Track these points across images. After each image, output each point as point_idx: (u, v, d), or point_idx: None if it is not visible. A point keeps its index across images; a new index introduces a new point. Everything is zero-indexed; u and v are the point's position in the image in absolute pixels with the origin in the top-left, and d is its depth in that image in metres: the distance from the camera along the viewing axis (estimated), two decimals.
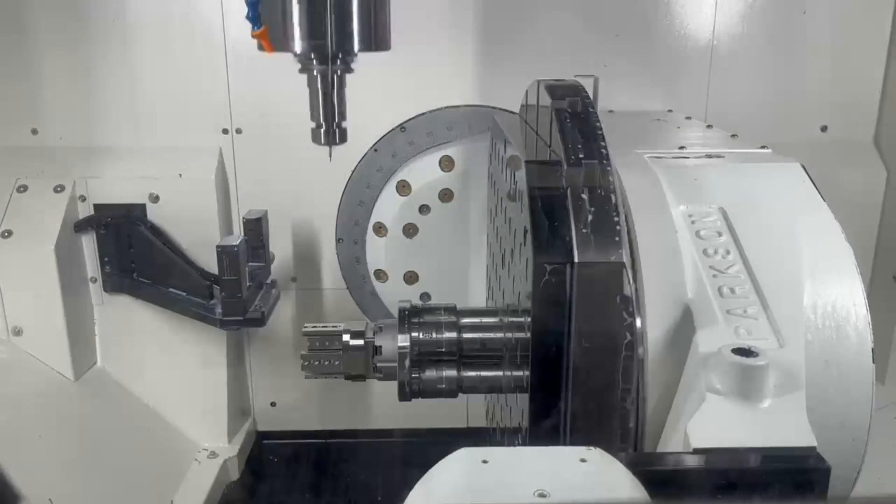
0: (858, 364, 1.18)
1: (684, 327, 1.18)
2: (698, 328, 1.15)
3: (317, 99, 1.54)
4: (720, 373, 1.05)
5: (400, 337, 1.63)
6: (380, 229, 2.43)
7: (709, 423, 1.01)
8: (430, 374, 1.64)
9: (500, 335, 1.64)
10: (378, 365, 1.66)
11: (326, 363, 1.68)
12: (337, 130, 1.58)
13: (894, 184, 2.42)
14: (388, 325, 1.68)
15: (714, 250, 1.27)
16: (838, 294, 1.21)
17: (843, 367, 1.17)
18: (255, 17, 1.44)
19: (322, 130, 1.56)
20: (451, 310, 1.69)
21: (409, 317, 1.65)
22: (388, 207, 2.41)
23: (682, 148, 1.60)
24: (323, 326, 1.69)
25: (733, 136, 1.84)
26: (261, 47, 1.47)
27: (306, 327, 1.69)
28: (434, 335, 1.63)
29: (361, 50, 1.48)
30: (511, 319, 1.49)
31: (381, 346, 1.65)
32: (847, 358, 1.18)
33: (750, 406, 1.03)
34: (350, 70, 1.53)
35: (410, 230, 2.42)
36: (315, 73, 1.51)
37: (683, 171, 1.43)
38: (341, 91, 1.55)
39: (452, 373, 1.65)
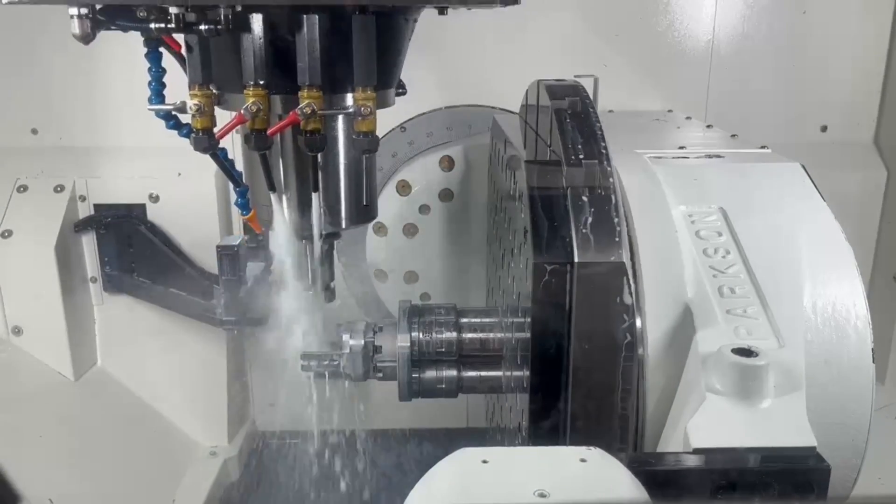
0: (858, 364, 1.18)
1: (684, 327, 1.17)
2: (698, 328, 1.15)
3: (306, 266, 1.59)
4: (720, 373, 1.05)
5: (400, 337, 1.63)
6: (380, 229, 2.43)
7: (709, 423, 1.01)
8: (430, 374, 1.65)
9: (500, 335, 1.64)
10: (378, 365, 1.67)
11: (326, 363, 1.68)
12: (325, 292, 1.65)
13: (894, 184, 2.43)
14: (387, 325, 1.68)
15: (714, 250, 1.27)
16: (838, 294, 1.21)
17: (843, 367, 1.17)
18: (244, 204, 1.51)
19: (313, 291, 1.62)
20: (451, 310, 1.69)
21: (410, 317, 1.65)
22: (389, 207, 2.41)
23: (682, 148, 1.60)
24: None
25: (733, 136, 1.84)
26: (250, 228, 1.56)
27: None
28: (434, 335, 1.63)
29: (349, 227, 1.54)
30: (511, 319, 1.49)
31: (381, 346, 1.65)
32: (847, 358, 1.18)
33: (750, 406, 1.03)
34: (338, 237, 1.59)
35: (410, 230, 2.42)
36: (303, 242, 1.55)
37: (683, 171, 1.43)
38: (330, 257, 1.62)
39: (452, 373, 1.65)
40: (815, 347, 1.17)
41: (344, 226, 1.52)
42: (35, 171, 2.31)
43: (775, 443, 0.98)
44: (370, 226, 2.43)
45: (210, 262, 2.19)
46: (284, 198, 1.46)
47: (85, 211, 2.31)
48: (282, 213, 1.46)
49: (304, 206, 1.46)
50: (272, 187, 1.43)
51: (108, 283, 2.34)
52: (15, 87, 2.36)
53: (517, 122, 1.98)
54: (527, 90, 1.85)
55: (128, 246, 2.30)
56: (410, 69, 2.36)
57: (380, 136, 2.35)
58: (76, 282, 2.29)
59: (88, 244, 2.33)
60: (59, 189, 2.27)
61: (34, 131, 2.39)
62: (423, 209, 2.39)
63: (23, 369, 2.19)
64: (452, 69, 2.38)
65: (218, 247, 2.04)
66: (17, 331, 2.22)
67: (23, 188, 2.29)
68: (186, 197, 2.32)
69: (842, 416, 1.17)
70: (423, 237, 2.41)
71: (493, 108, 2.36)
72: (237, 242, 2.04)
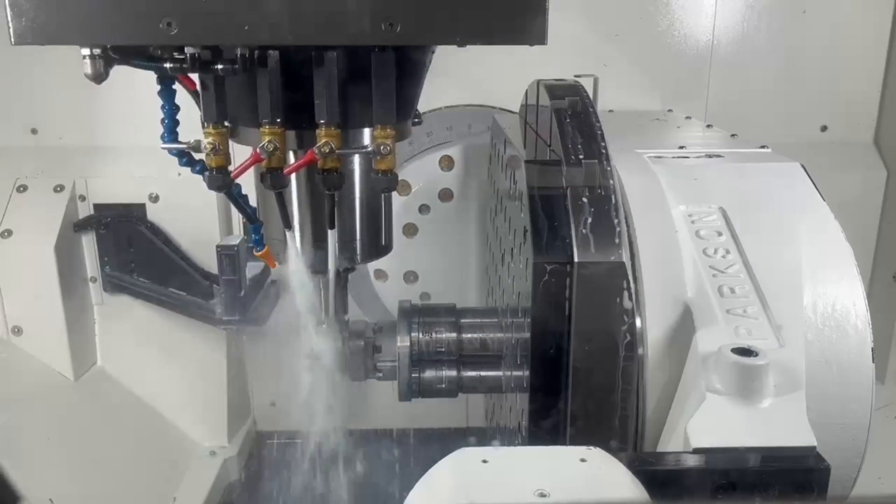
0: (858, 364, 1.18)
1: (684, 327, 1.18)
2: (698, 328, 1.15)
3: (320, 298, 1.56)
4: (720, 372, 1.05)
5: (400, 337, 1.63)
6: None
7: (709, 423, 1.01)
8: (430, 374, 1.65)
9: (500, 335, 1.64)
10: (378, 364, 1.67)
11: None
12: (340, 324, 1.61)
13: (894, 184, 2.42)
14: (387, 324, 1.68)
15: (714, 250, 1.27)
16: (838, 294, 1.21)
17: (843, 367, 1.17)
18: (258, 241, 1.48)
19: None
20: (451, 310, 1.69)
21: (409, 316, 1.65)
22: None
23: (682, 148, 1.60)
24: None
25: (733, 135, 1.84)
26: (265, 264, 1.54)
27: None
28: (434, 335, 1.63)
29: (364, 261, 1.50)
30: (511, 319, 1.49)
31: (381, 346, 1.65)
32: (847, 358, 1.18)
33: (750, 406, 1.03)
34: (352, 271, 1.56)
35: (410, 230, 2.42)
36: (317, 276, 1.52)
37: (683, 170, 1.43)
38: (344, 291, 1.58)
39: (452, 373, 1.65)
40: (815, 347, 1.17)
41: (359, 261, 1.49)
42: (35, 171, 2.31)
43: (775, 443, 0.99)
44: None
45: (210, 262, 2.19)
46: (298, 234, 1.43)
47: (85, 211, 2.30)
48: (295, 248, 1.43)
49: (319, 243, 1.43)
50: (288, 225, 1.39)
51: (108, 283, 2.34)
52: (15, 87, 2.35)
53: (517, 122, 1.98)
54: (527, 90, 1.85)
55: (128, 246, 2.30)
56: None
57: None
58: (76, 282, 2.29)
59: (88, 244, 2.32)
60: (59, 189, 2.27)
61: (34, 131, 2.39)
62: (423, 209, 2.39)
63: (23, 369, 2.19)
64: (452, 69, 2.37)
65: (218, 247, 2.04)
66: (17, 331, 2.22)
67: (23, 188, 2.29)
68: (186, 197, 2.32)
69: (842, 416, 1.17)
70: (423, 237, 2.41)
71: (493, 107, 2.36)
72: (237, 242, 2.04)
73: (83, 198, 2.30)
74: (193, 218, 2.34)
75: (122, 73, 2.49)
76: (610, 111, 2.26)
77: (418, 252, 2.42)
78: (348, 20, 1.07)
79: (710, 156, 1.52)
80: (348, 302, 1.63)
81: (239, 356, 2.60)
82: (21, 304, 2.21)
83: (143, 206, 2.30)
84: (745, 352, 1.05)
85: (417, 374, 1.63)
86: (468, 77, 2.36)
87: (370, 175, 1.29)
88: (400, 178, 2.35)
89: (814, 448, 0.98)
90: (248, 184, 1.44)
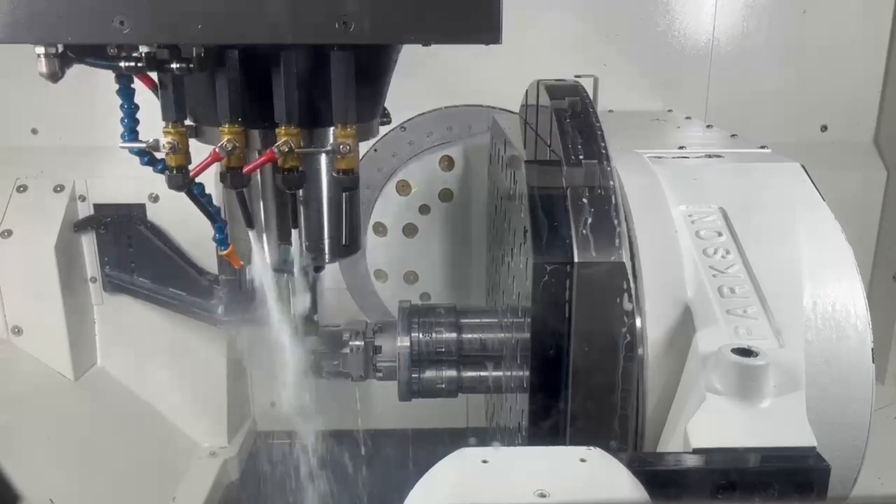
0: (858, 364, 1.18)
1: (684, 327, 1.18)
2: (698, 328, 1.15)
3: (287, 299, 1.55)
4: (720, 373, 1.05)
5: (400, 337, 1.63)
6: (380, 229, 2.43)
7: (709, 423, 1.01)
8: (430, 374, 1.65)
9: (500, 335, 1.64)
10: (378, 364, 1.67)
11: (326, 364, 1.68)
12: (307, 325, 1.60)
13: (894, 184, 2.43)
14: (387, 324, 1.68)
15: (714, 250, 1.27)
16: (838, 294, 1.21)
17: (843, 367, 1.17)
18: (221, 240, 1.47)
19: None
20: (451, 310, 1.69)
21: (410, 317, 1.65)
22: (388, 207, 2.41)
23: (682, 148, 1.60)
24: (323, 327, 1.69)
25: (733, 135, 1.84)
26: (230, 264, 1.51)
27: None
28: (434, 335, 1.63)
29: (332, 261, 1.48)
30: (511, 319, 1.49)
31: (381, 346, 1.65)
32: (847, 358, 1.18)
33: (750, 406, 1.03)
34: (321, 270, 1.54)
35: (410, 230, 2.42)
36: (285, 276, 1.51)
37: (683, 171, 1.43)
38: (313, 291, 1.57)
39: (452, 373, 1.65)
40: (815, 347, 1.17)
41: (327, 261, 1.48)
42: (35, 171, 2.31)
43: (775, 443, 0.99)
44: (370, 225, 2.43)
45: (210, 262, 2.19)
46: (264, 234, 1.41)
47: (85, 211, 2.30)
48: (260, 248, 1.42)
49: (283, 242, 1.42)
50: (250, 224, 1.38)
51: (108, 283, 2.34)
52: (15, 87, 2.35)
53: (517, 122, 1.98)
54: (527, 90, 1.85)
55: (128, 246, 2.30)
56: (410, 69, 2.36)
57: (378, 136, 2.38)
58: (76, 282, 2.29)
59: (88, 244, 2.32)
60: (59, 189, 2.27)
61: (34, 131, 2.39)
62: (423, 209, 2.39)
63: (23, 369, 2.19)
64: (452, 69, 2.38)
65: None
66: (17, 331, 2.22)
67: (23, 188, 2.29)
68: (186, 197, 2.32)
69: (842, 415, 1.17)
70: (423, 237, 2.42)
71: (492, 108, 2.36)
72: None
73: (83, 198, 2.30)
74: (193, 218, 2.31)
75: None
76: (610, 111, 2.26)
77: (418, 252, 2.43)
78: (302, 19, 1.07)
79: (710, 156, 1.52)
80: (317, 302, 1.62)
81: (239, 356, 2.60)
82: (21, 304, 2.21)
83: (143, 206, 2.30)
84: (746, 352, 1.05)
85: (418, 375, 1.63)
86: (468, 77, 2.36)
87: (333, 176, 1.29)
88: (400, 178, 2.37)
89: (814, 448, 0.98)
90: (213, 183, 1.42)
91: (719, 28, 2.37)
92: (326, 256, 1.46)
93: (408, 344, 1.62)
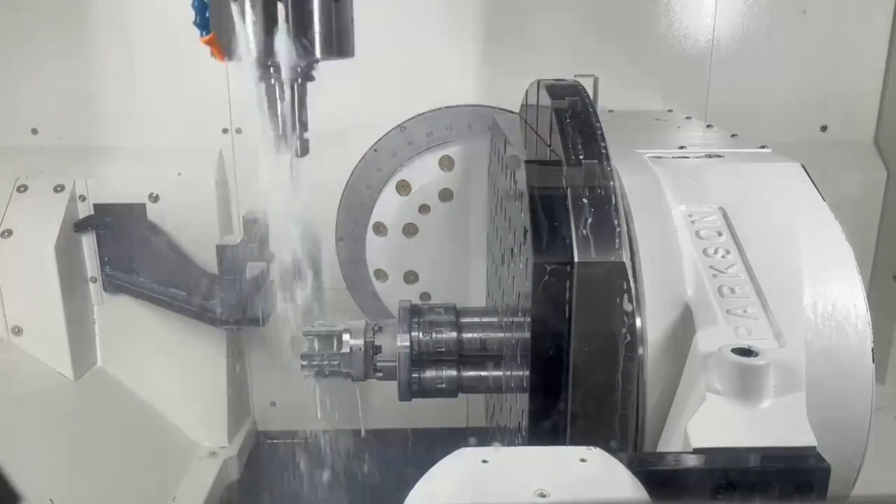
0: (858, 364, 1.18)
1: (684, 327, 1.18)
2: (698, 328, 1.15)
3: (276, 110, 1.47)
4: (720, 373, 1.05)
5: (400, 336, 1.63)
6: (380, 229, 2.43)
7: (709, 423, 1.01)
8: (430, 373, 1.65)
9: (500, 335, 1.64)
10: (378, 364, 1.67)
11: (326, 363, 1.68)
12: (299, 142, 1.51)
13: (894, 184, 2.42)
14: (388, 324, 1.68)
15: (714, 250, 1.27)
16: (838, 294, 1.21)
17: (843, 367, 1.17)
18: (203, 23, 1.33)
19: (283, 141, 1.49)
20: (451, 309, 1.69)
21: (410, 316, 1.65)
22: (389, 207, 2.41)
23: (682, 148, 1.60)
24: (323, 326, 1.69)
25: (733, 136, 1.84)
26: (213, 54, 1.37)
27: (306, 329, 1.69)
28: (434, 335, 1.63)
29: (323, 58, 1.40)
30: (511, 319, 1.49)
31: (381, 346, 1.65)
32: (847, 358, 1.18)
33: (750, 406, 1.03)
34: (311, 79, 1.45)
35: (410, 230, 2.42)
36: (273, 82, 1.43)
37: (683, 170, 1.43)
38: (303, 100, 1.48)
39: (452, 373, 1.65)
40: (814, 347, 1.17)
41: (318, 55, 1.36)
42: (35, 171, 2.31)
43: (775, 443, 0.99)
44: (370, 225, 2.43)
45: (210, 262, 2.19)
46: (249, 20, 1.28)
47: (85, 211, 2.30)
48: (246, 39, 1.28)
49: (270, 32, 1.29)
50: None
51: (108, 283, 2.34)
52: (15, 87, 2.36)
53: (517, 122, 1.98)
54: (527, 90, 1.85)
55: (128, 246, 2.30)
56: (411, 68, 2.36)
57: (380, 136, 2.38)
58: (76, 282, 2.29)
59: (88, 244, 2.33)
60: (59, 189, 2.27)
61: (34, 131, 2.39)
62: (423, 209, 2.39)
63: (23, 369, 2.19)
64: (452, 69, 2.38)
65: (218, 246, 2.05)
66: (17, 331, 2.22)
67: (23, 188, 2.29)
68: (186, 197, 2.32)
69: (842, 415, 1.17)
70: (423, 237, 2.42)
71: (493, 107, 2.36)
72: (237, 242, 2.05)
73: (83, 198, 2.30)
74: (193, 218, 2.34)
75: (122, 73, 2.50)
76: (610, 111, 2.26)
77: (418, 252, 2.43)
78: None
79: (710, 156, 1.52)
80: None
81: (239, 356, 2.60)
82: (21, 304, 2.21)
83: (143, 205, 2.30)
84: (746, 352, 1.05)
85: (417, 374, 1.63)
86: (468, 77, 2.36)
87: None
88: (400, 178, 2.37)
89: (814, 448, 0.98)
90: None
91: (719, 28, 2.37)
92: (317, 50, 1.36)
93: (408, 344, 1.62)
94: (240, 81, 2.33)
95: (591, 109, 1.39)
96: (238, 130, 2.40)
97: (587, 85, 1.56)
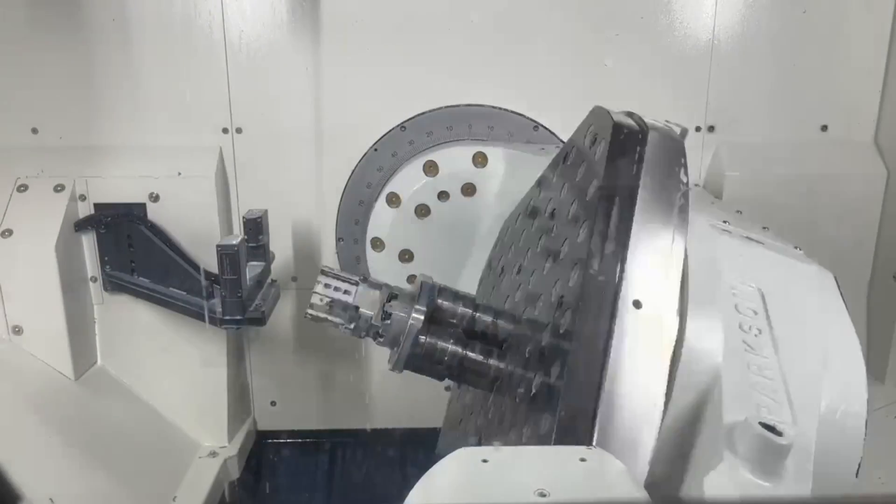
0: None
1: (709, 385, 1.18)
2: (725, 393, 1.15)
3: None
4: (745, 441, 1.05)
5: (416, 309, 1.58)
6: (393, 200, 2.36)
7: (722, 482, 1.01)
8: (437, 342, 1.60)
9: (514, 327, 1.60)
10: (381, 330, 1.62)
11: (331, 307, 1.64)
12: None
13: (894, 184, 2.42)
14: (404, 294, 1.64)
15: (749, 326, 1.28)
16: (845, 400, 1.22)
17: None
18: None
19: None
20: (468, 296, 1.69)
21: (430, 293, 1.62)
22: (410, 182, 2.33)
23: (725, 223, 1.60)
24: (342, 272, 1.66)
25: (738, 211, 1.82)
26: None
27: (324, 267, 1.65)
28: (452, 304, 1.62)
29: None
30: (512, 324, 1.48)
31: (391, 313, 1.60)
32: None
33: (764, 480, 1.03)
34: None
35: (422, 211, 2.37)
36: None
37: (732, 244, 1.45)
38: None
39: (458, 349, 1.59)
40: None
41: None
42: (35, 171, 2.31)
43: None
44: (384, 194, 2.37)
45: (210, 262, 2.20)
46: None
47: (85, 210, 2.30)
48: None
49: None
50: None
51: (108, 282, 2.34)
52: (15, 87, 2.36)
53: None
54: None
55: (128, 245, 2.30)
56: (412, 68, 2.36)
57: (380, 136, 2.37)
58: (76, 281, 2.29)
59: (88, 244, 2.32)
60: (59, 188, 2.27)
61: (34, 131, 2.39)
62: (443, 195, 2.33)
63: (23, 369, 2.19)
64: (453, 69, 2.38)
65: (218, 246, 2.05)
66: (17, 330, 2.22)
67: (23, 188, 2.29)
68: (186, 196, 2.32)
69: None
70: (432, 221, 2.36)
71: (493, 107, 2.36)
72: (237, 242, 2.05)
73: (83, 197, 2.30)
74: (193, 218, 2.34)
75: (122, 73, 2.50)
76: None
77: (421, 233, 2.36)
78: None
79: (750, 238, 1.53)
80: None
81: (239, 356, 2.60)
82: (21, 304, 2.21)
83: (143, 205, 2.30)
84: (770, 428, 1.05)
85: (425, 338, 1.58)
86: (468, 76, 2.37)
87: None
88: (429, 159, 2.32)
89: None
90: None
91: (719, 28, 2.37)
92: None
93: (421, 318, 1.58)
94: (240, 81, 2.36)
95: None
96: (238, 130, 2.40)
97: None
